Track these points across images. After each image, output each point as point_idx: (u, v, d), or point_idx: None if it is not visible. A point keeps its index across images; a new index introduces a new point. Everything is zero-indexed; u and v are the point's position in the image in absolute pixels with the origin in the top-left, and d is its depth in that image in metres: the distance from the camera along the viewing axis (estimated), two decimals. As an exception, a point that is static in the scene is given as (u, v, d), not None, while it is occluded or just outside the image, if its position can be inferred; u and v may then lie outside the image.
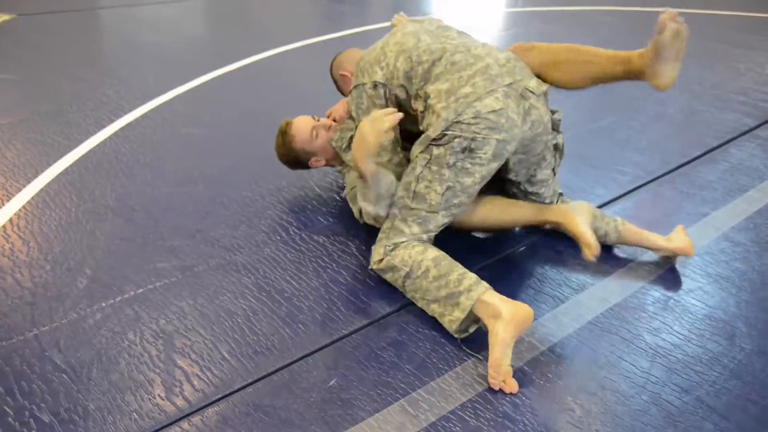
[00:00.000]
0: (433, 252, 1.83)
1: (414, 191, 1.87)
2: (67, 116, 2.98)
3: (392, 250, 1.88)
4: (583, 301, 1.91)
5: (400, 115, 1.81)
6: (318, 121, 2.29)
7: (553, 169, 2.09)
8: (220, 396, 1.51)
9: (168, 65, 3.72)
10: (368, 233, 2.17)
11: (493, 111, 1.79)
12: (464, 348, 1.70)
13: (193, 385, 1.53)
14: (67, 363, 1.58)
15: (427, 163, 1.84)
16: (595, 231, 2.06)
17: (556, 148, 2.10)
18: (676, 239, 2.07)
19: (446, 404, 1.52)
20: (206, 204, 2.29)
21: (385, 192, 1.91)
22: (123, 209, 2.24)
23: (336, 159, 2.32)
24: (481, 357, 1.67)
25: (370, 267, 1.93)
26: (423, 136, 1.88)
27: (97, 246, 2.03)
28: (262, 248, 2.07)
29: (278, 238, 2.12)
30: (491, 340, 1.62)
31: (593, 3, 6.01)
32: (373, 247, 1.94)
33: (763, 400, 1.58)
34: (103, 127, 2.85)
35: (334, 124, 2.30)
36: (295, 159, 2.30)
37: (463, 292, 1.71)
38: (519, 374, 1.61)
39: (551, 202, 2.11)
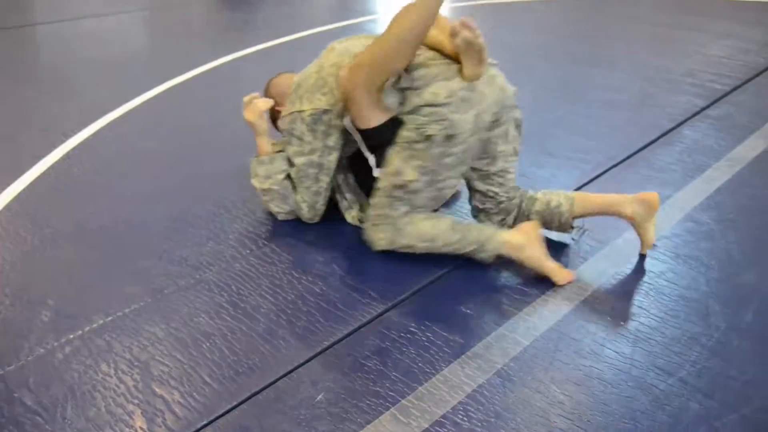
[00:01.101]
0: (444, 222, 1.98)
1: (395, 185, 1.95)
2: (15, 139, 2.85)
3: (398, 230, 1.98)
4: (560, 291, 1.91)
5: (270, 102, 2.19)
6: None
7: (515, 148, 2.11)
8: (205, 422, 1.46)
9: (116, 79, 3.61)
10: (340, 240, 2.14)
11: (463, 87, 1.90)
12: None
13: (175, 413, 1.48)
14: (39, 403, 1.50)
15: (406, 158, 1.92)
16: (548, 203, 2.10)
17: (516, 124, 2.15)
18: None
19: (437, 409, 1.50)
20: (170, 222, 2.22)
21: (270, 180, 2.15)
22: (83, 233, 2.15)
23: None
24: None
25: (375, 249, 2.03)
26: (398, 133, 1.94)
27: (59, 275, 1.95)
28: (233, 264, 2.01)
29: (248, 251, 2.07)
30: (532, 264, 1.94)
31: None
32: (367, 230, 2.04)
33: (743, 376, 1.61)
34: (55, 147, 2.74)
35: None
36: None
37: (487, 240, 1.95)
38: (506, 372, 1.61)
39: (514, 188, 2.13)
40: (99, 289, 1.88)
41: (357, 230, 2.19)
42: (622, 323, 1.79)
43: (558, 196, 2.10)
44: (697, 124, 3.15)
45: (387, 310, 1.83)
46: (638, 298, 1.90)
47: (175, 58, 4.04)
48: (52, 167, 2.59)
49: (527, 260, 1.94)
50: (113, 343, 1.68)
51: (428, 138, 1.88)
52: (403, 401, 1.52)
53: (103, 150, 2.75)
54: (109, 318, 1.77)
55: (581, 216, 2.10)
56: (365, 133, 1.97)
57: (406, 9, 1.89)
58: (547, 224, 2.13)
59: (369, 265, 2.00)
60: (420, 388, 1.56)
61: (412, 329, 1.76)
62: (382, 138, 1.95)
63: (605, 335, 1.74)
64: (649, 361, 1.66)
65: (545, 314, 1.82)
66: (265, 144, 2.20)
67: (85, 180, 2.50)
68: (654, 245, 2.12)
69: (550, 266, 1.94)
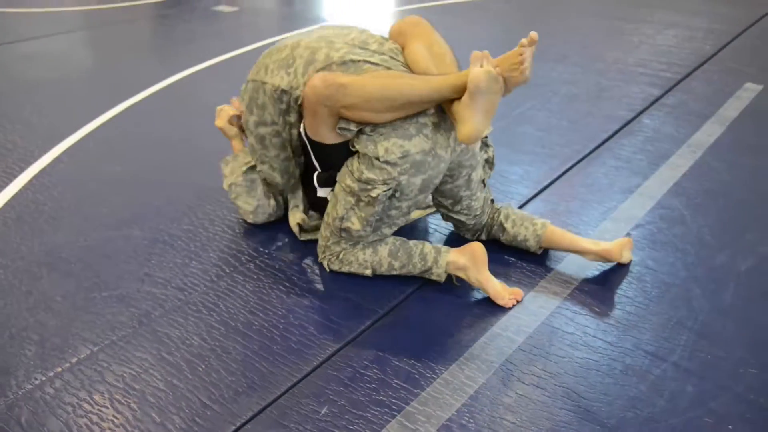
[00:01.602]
0: (384, 248, 1.93)
1: (341, 228, 1.90)
2: (-30, 170, 2.75)
3: (340, 260, 1.97)
4: (547, 287, 1.95)
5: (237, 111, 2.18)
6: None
7: (483, 181, 2.08)
8: (211, 446, 1.43)
9: (71, 102, 3.50)
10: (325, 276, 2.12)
11: (422, 151, 1.77)
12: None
13: (179, 440, 1.45)
14: (34, 440, 1.45)
15: (352, 206, 1.86)
16: (515, 236, 2.06)
17: (487, 161, 2.16)
18: (606, 243, 1.99)
19: (442, 412, 1.51)
20: (147, 245, 2.17)
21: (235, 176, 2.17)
22: (58, 263, 2.08)
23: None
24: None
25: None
26: (344, 173, 1.87)
27: (38, 307, 1.88)
28: (218, 282, 1.98)
29: (232, 268, 2.04)
30: (476, 284, 1.88)
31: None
32: (320, 260, 2.03)
33: (731, 356, 1.67)
34: (15, 176, 2.64)
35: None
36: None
37: (432, 265, 1.90)
38: (505, 370, 1.63)
39: (482, 212, 2.10)
40: (82, 319, 1.83)
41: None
42: (609, 313, 1.83)
43: (526, 230, 2.05)
44: (654, 113, 3.24)
45: (380, 319, 1.83)
46: (622, 288, 1.94)
47: (128, 77, 3.95)
48: (16, 196, 2.50)
49: (472, 281, 1.88)
50: (105, 372, 1.64)
51: (373, 198, 1.80)
52: (407, 408, 1.53)
53: (67, 175, 2.67)
54: (97, 347, 1.72)
55: (547, 248, 2.08)
56: (315, 145, 1.89)
57: (421, 81, 1.73)
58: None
59: (355, 275, 1.99)
60: (423, 393, 1.57)
61: (408, 335, 1.76)
62: (330, 157, 1.90)
63: (596, 326, 1.78)
64: (641, 348, 1.70)
65: (535, 310, 1.84)
66: (238, 144, 2.20)
67: (53, 207, 2.42)
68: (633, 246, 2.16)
69: (495, 289, 1.86)
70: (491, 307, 1.86)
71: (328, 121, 1.77)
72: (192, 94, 3.61)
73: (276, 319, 1.82)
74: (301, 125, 1.89)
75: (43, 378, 1.62)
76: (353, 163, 1.82)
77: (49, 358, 1.69)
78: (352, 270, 1.96)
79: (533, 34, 1.60)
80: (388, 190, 1.79)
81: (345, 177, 1.85)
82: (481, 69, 1.62)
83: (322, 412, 1.51)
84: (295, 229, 2.15)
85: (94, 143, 2.97)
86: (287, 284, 1.97)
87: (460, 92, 1.67)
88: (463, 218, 2.08)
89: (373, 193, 1.79)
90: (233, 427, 1.48)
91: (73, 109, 3.35)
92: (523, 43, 1.60)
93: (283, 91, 1.91)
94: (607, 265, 2.04)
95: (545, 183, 2.55)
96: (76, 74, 4.00)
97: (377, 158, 1.75)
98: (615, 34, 4.69)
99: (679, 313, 1.83)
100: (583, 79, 3.72)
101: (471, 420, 1.49)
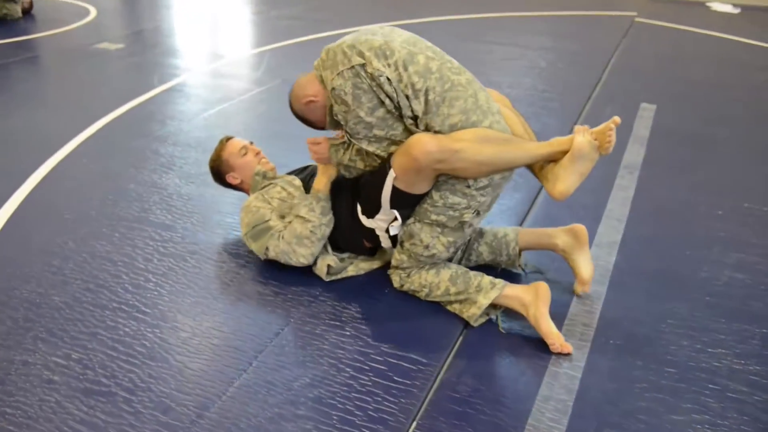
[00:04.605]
0: (446, 272, 2.08)
1: (424, 255, 2.05)
2: None
3: (408, 276, 2.11)
4: (574, 319, 2.09)
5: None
6: (252, 144, 2.48)
7: None
8: None
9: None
10: (354, 312, 2.11)
11: (503, 176, 1.98)
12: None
13: None
14: None
15: (438, 235, 2.01)
16: (495, 234, 2.26)
17: None
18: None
19: (546, 458, 1.59)
20: (165, 339, 2.03)
21: (328, 218, 2.18)
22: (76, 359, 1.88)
23: (248, 186, 2.44)
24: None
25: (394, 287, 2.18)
26: (423, 210, 2.00)
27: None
28: (265, 362, 1.90)
29: (281, 359, 1.97)
30: (533, 322, 1.95)
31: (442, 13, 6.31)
32: (389, 273, 2.20)
33: (744, 352, 1.91)
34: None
35: (261, 151, 2.47)
36: (217, 168, 2.46)
37: (483, 298, 2.00)
38: (578, 407, 1.74)
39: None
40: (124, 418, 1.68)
41: (366, 301, 2.17)
42: (637, 334, 2.01)
43: (504, 229, 2.30)
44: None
45: (439, 373, 1.86)
46: (637, 315, 2.13)
47: (48, 133, 3.60)
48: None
49: (530, 317, 1.96)
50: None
51: (463, 223, 1.99)
52: (513, 459, 1.59)
53: (22, 248, 2.40)
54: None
55: (523, 249, 2.28)
56: (398, 191, 1.96)
57: (523, 151, 1.91)
58: (495, 258, 2.28)
59: (395, 332, 2.03)
60: (519, 440, 1.64)
61: (476, 386, 1.82)
62: (406, 203, 1.99)
63: (629, 350, 1.95)
64: (675, 366, 1.89)
65: (575, 343, 1.97)
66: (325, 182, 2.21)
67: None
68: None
69: (549, 327, 1.93)
70: (536, 348, 1.95)
71: (429, 178, 1.90)
72: (114, 142, 3.36)
73: (343, 391, 1.80)
74: (390, 174, 1.94)
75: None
76: (431, 197, 1.96)
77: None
78: (412, 288, 2.11)
79: (617, 118, 1.87)
80: (474, 212, 1.97)
81: (427, 213, 1.99)
82: (585, 138, 1.84)
83: (438, 479, 1.53)
84: (323, 270, 2.20)
85: (32, 209, 2.69)
86: (333, 353, 1.94)
87: (549, 159, 1.93)
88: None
89: (465, 218, 1.97)
90: None
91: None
92: (616, 121, 1.86)
93: (389, 82, 1.86)
94: (616, 296, 2.21)
95: (523, 214, 2.72)
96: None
97: (468, 186, 1.92)
98: (507, 59, 5.03)
99: (690, 328, 2.05)
100: (504, 108, 3.95)
101: (574, 460, 1.59)
